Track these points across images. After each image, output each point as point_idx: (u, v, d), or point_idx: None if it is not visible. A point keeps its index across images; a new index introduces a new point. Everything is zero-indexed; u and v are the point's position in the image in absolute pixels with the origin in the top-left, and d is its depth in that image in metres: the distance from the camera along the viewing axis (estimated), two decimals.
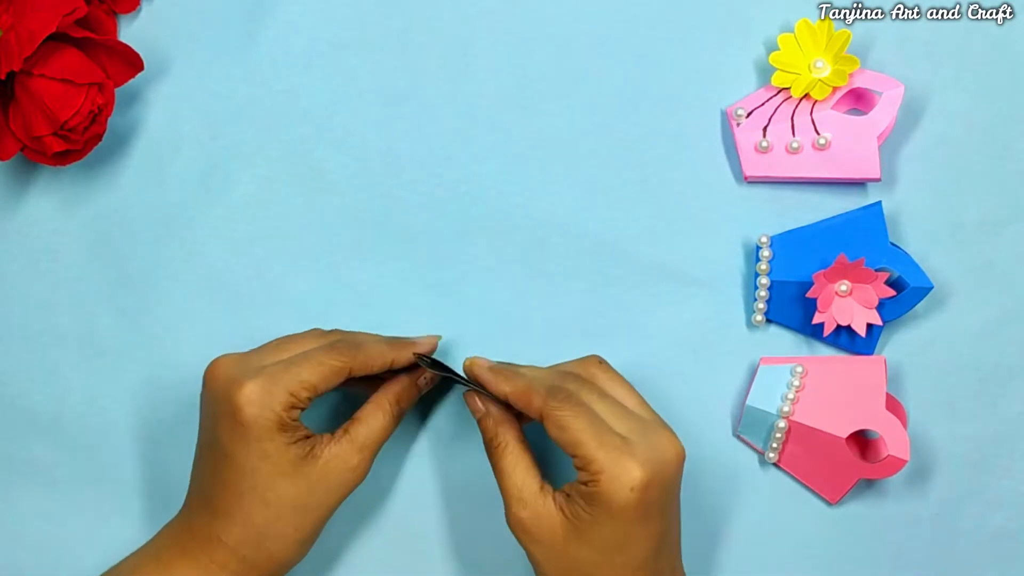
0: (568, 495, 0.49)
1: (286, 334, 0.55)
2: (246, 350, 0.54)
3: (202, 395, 0.53)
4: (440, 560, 0.59)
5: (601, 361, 0.54)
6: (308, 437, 0.52)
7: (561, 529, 0.49)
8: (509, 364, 0.55)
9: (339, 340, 0.53)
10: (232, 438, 0.50)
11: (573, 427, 0.49)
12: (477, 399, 0.54)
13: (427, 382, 0.57)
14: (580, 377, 0.52)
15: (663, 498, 0.49)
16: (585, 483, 0.48)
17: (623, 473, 0.47)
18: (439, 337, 0.57)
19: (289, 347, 0.53)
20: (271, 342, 0.54)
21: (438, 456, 0.59)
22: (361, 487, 0.56)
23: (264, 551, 0.51)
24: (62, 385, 0.60)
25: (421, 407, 0.59)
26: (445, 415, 0.59)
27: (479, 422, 0.54)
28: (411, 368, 0.56)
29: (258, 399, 0.50)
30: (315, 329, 0.56)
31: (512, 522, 0.51)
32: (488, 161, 0.60)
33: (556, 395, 0.50)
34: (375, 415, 0.54)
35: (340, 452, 0.52)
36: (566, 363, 0.55)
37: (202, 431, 0.53)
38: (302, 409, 0.51)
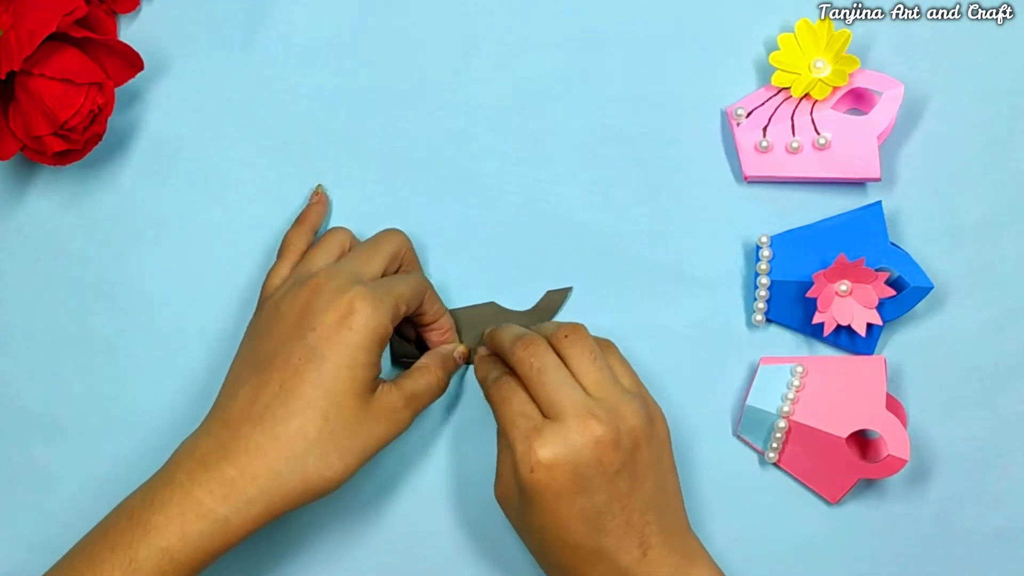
0: None
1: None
2: (250, 339, 0.54)
3: (289, 315, 0.52)
4: (442, 560, 0.59)
5: (579, 328, 0.54)
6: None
7: (513, 515, 0.52)
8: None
9: (416, 273, 0.57)
10: (331, 342, 0.50)
11: (507, 402, 0.51)
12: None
13: (461, 357, 0.58)
14: (563, 334, 0.53)
15: (586, 473, 0.49)
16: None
17: (523, 453, 0.49)
18: (466, 349, 0.58)
19: (361, 256, 0.54)
20: (323, 252, 0.55)
21: (442, 455, 0.59)
22: (364, 487, 0.56)
23: (300, 470, 0.50)
24: (62, 385, 0.60)
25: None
26: (449, 413, 0.59)
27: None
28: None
29: (372, 308, 0.51)
30: (339, 231, 0.57)
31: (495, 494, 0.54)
32: (488, 161, 0.60)
33: (502, 377, 0.53)
34: (423, 375, 0.55)
35: (392, 397, 0.52)
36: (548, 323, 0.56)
37: (277, 341, 0.52)
38: (392, 329, 0.52)
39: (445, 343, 0.58)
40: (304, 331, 0.51)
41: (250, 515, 0.49)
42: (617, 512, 0.49)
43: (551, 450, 0.48)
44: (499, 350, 0.54)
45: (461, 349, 0.58)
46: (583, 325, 0.53)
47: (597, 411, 0.49)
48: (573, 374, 0.51)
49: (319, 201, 0.59)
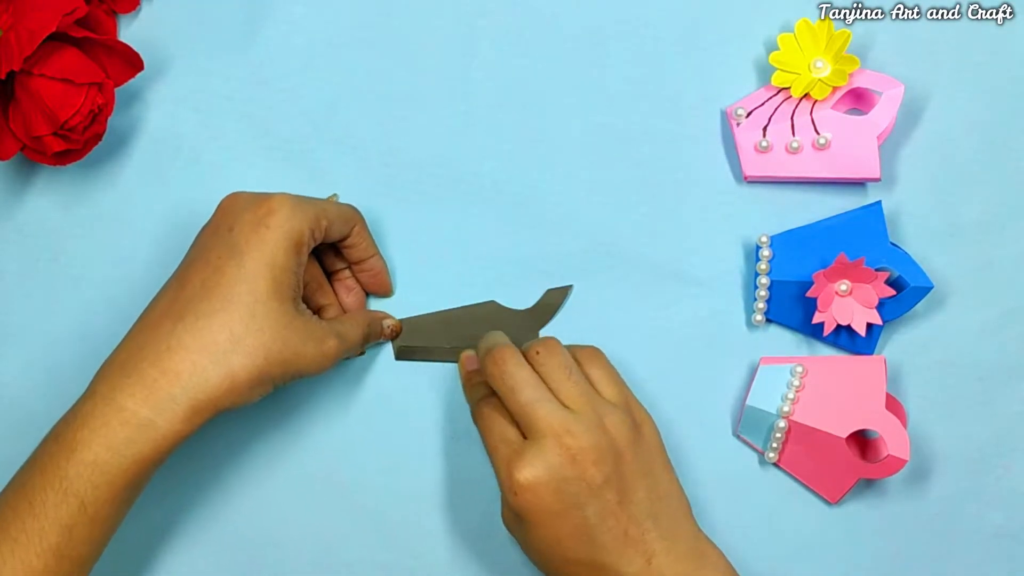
0: None
1: None
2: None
3: (209, 224, 0.52)
4: (442, 560, 0.59)
5: (597, 352, 0.54)
6: (301, 289, 0.52)
7: (518, 538, 0.52)
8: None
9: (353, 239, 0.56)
10: (249, 240, 0.50)
11: (481, 428, 0.52)
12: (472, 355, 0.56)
13: (390, 329, 0.58)
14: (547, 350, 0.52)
15: (570, 490, 0.48)
16: None
17: (506, 479, 0.49)
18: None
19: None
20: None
21: (442, 456, 0.59)
22: (360, 487, 0.56)
23: (225, 365, 0.48)
24: (62, 385, 0.60)
25: (420, 406, 0.59)
26: (447, 413, 0.59)
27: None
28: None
29: (290, 210, 0.51)
30: None
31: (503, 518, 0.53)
32: (488, 161, 0.60)
33: (486, 400, 0.53)
34: (350, 323, 0.55)
35: (322, 326, 0.52)
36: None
37: (197, 248, 0.52)
38: (314, 245, 0.52)
39: (378, 288, 0.58)
40: (223, 231, 0.51)
41: (176, 415, 0.48)
42: (612, 525, 0.49)
43: (531, 472, 0.48)
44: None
45: (391, 322, 0.58)
46: (555, 339, 0.53)
47: (573, 426, 0.49)
48: (550, 389, 0.50)
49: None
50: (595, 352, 0.54)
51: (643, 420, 0.52)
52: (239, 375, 0.49)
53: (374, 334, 0.57)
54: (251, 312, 0.49)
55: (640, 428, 0.51)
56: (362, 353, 0.58)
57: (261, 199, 0.51)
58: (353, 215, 0.56)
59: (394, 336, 0.58)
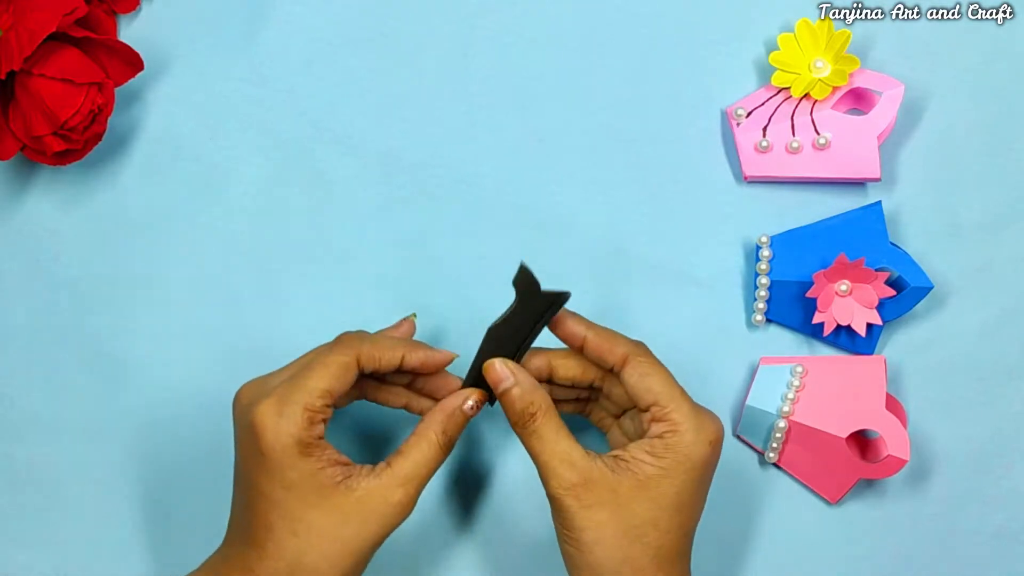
0: (619, 458, 0.49)
1: (289, 339, 0.54)
2: (250, 356, 0.53)
3: (233, 426, 0.51)
4: (443, 561, 0.59)
5: (647, 348, 0.53)
6: (342, 464, 0.49)
7: (623, 487, 0.48)
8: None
9: (342, 335, 0.51)
10: (256, 468, 0.48)
11: (657, 376, 0.50)
12: (503, 366, 0.51)
13: (474, 408, 0.52)
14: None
15: (716, 465, 0.50)
16: (661, 435, 0.49)
17: (702, 426, 0.49)
18: (456, 355, 0.53)
19: (299, 360, 0.51)
20: (293, 362, 0.52)
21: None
22: None
23: None
24: (62, 385, 0.60)
25: None
26: None
27: (504, 394, 0.50)
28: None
29: (273, 423, 0.47)
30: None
31: (561, 488, 0.48)
32: (488, 161, 0.60)
33: (639, 346, 0.51)
34: (419, 446, 0.50)
35: (379, 485, 0.48)
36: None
37: (235, 461, 0.51)
38: (324, 421, 0.48)
39: (443, 384, 0.53)
40: (241, 456, 0.49)
41: None
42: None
43: (715, 426, 0.50)
44: (612, 351, 0.51)
45: (474, 400, 0.52)
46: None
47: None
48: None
49: (406, 323, 0.55)
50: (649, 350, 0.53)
51: None
52: None
53: (454, 427, 0.51)
54: (293, 532, 0.47)
55: None
56: (492, 404, 0.53)
57: (247, 419, 0.48)
58: (340, 360, 0.49)
59: (484, 403, 0.52)
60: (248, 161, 0.60)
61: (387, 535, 0.49)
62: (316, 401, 0.48)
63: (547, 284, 0.60)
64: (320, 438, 0.48)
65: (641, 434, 0.50)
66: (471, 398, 0.51)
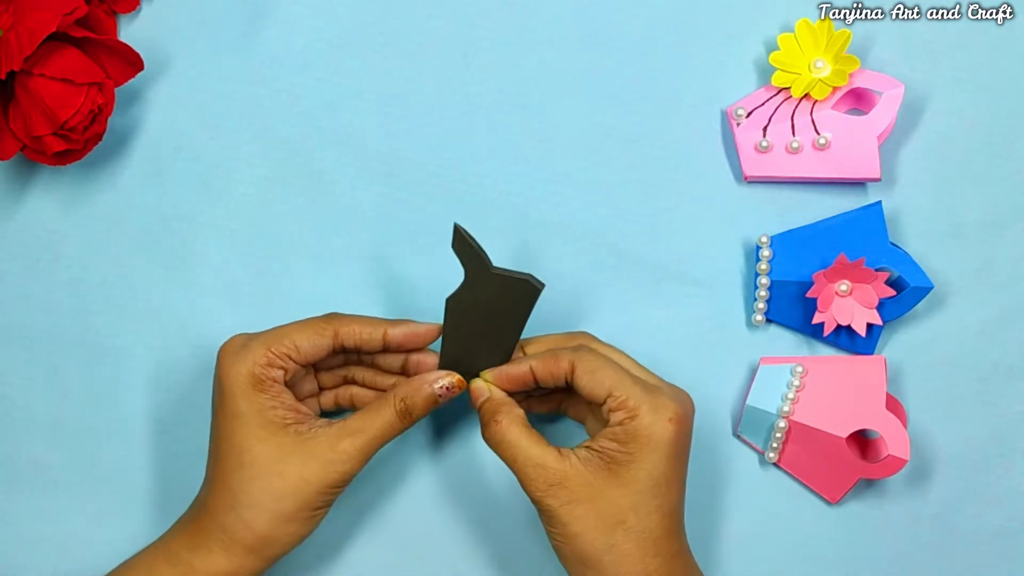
0: (590, 448, 0.50)
1: None
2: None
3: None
4: (442, 561, 0.59)
5: (592, 336, 0.55)
6: (299, 412, 0.52)
7: (597, 478, 0.49)
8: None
9: (332, 311, 0.54)
10: (216, 402, 0.52)
11: (605, 369, 0.50)
12: (482, 384, 0.53)
13: (445, 390, 0.52)
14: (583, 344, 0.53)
15: (688, 441, 0.51)
16: (621, 422, 0.49)
17: (660, 406, 0.50)
18: (440, 326, 0.54)
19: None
20: None
21: (439, 455, 0.59)
22: (365, 488, 0.56)
23: (242, 520, 0.50)
24: (62, 385, 0.60)
25: None
26: (448, 414, 0.59)
27: (481, 408, 0.53)
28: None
29: (232, 354, 0.51)
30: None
31: (539, 491, 0.50)
32: (488, 161, 0.60)
33: (582, 344, 0.52)
34: (376, 407, 0.52)
35: (328, 433, 0.51)
36: (556, 335, 0.55)
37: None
38: (284, 369, 0.51)
39: (431, 364, 0.54)
40: (213, 398, 0.53)
41: (214, 563, 0.51)
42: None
43: (675, 407, 0.50)
44: (557, 366, 0.52)
45: (447, 382, 0.53)
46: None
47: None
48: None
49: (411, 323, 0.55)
50: (593, 337, 0.55)
51: None
52: (258, 526, 0.50)
53: (418, 400, 0.52)
54: (239, 463, 0.51)
55: None
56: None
57: (217, 355, 0.52)
58: (315, 324, 0.52)
59: (458, 392, 0.53)
60: (248, 161, 0.60)
61: (332, 485, 0.51)
62: (279, 346, 0.51)
63: (547, 284, 0.60)
64: (277, 382, 0.51)
65: (608, 424, 0.51)
66: (443, 380, 0.53)
